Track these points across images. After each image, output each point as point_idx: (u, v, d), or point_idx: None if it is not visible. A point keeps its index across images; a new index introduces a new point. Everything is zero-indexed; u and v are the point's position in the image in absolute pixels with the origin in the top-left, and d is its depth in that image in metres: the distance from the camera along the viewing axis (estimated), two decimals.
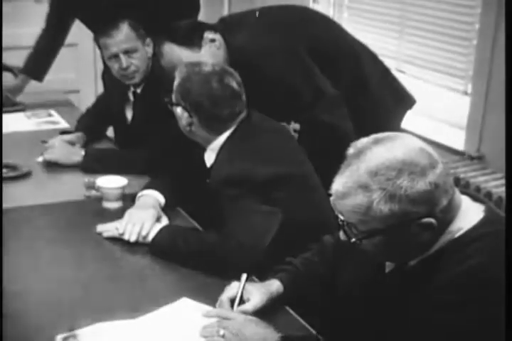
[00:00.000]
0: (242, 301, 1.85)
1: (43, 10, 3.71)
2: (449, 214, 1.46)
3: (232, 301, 1.85)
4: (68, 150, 2.93)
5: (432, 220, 1.43)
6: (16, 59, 4.30)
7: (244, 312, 1.80)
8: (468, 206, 1.50)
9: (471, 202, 1.53)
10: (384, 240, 1.47)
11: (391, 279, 1.59)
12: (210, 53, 2.68)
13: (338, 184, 1.47)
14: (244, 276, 1.87)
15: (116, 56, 2.90)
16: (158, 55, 2.77)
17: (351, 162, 1.47)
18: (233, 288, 1.87)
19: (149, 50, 2.96)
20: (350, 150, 1.49)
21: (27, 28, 4.03)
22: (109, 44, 2.89)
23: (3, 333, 1.69)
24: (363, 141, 1.50)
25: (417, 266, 1.52)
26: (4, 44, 4.30)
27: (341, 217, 1.50)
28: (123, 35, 2.88)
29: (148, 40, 2.96)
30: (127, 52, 2.89)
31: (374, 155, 1.44)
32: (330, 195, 1.53)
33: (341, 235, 1.54)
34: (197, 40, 2.68)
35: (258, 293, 1.86)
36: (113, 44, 2.89)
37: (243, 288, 1.86)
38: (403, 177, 1.40)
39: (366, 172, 1.43)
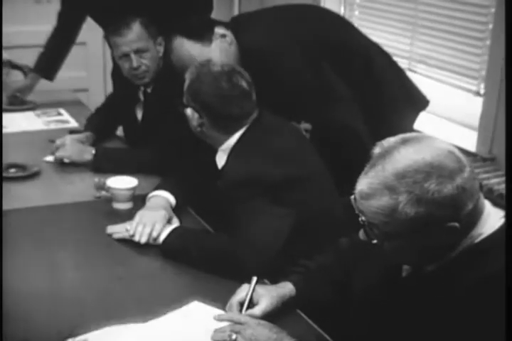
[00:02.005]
0: (252, 304, 1.83)
1: (43, 10, 3.72)
2: (472, 218, 1.44)
3: (241, 304, 1.83)
4: (79, 148, 2.91)
5: (456, 224, 1.40)
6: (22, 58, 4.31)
7: (253, 316, 1.78)
8: (489, 211, 1.48)
9: (491, 207, 1.50)
10: (406, 242, 1.45)
11: (408, 284, 1.57)
12: (221, 48, 2.67)
13: (363, 184, 1.45)
14: (254, 279, 1.85)
15: (127, 55, 2.88)
16: (168, 50, 2.76)
17: (377, 162, 1.44)
18: (243, 291, 1.86)
19: (160, 49, 2.94)
20: (376, 150, 1.47)
21: (28, 27, 4.03)
22: (120, 43, 2.87)
23: (7, 335, 1.67)
24: (390, 140, 1.47)
25: (434, 271, 1.50)
26: (6, 43, 4.30)
27: (363, 217, 1.47)
28: (134, 34, 2.86)
29: (159, 39, 2.94)
30: (138, 52, 2.87)
31: (401, 156, 1.42)
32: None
33: (361, 235, 1.52)
34: (207, 35, 2.67)
35: (268, 296, 1.84)
36: (124, 43, 2.87)
37: (253, 291, 1.84)
38: (431, 180, 1.38)
39: (393, 174, 1.40)
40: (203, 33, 2.67)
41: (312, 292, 1.92)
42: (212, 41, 2.67)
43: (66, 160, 2.89)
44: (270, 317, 1.81)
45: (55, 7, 3.55)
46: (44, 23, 3.72)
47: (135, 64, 2.87)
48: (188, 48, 2.65)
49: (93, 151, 2.88)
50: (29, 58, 3.97)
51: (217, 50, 2.65)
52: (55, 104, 3.74)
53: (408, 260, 1.55)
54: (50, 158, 2.94)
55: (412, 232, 1.42)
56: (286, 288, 1.90)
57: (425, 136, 1.48)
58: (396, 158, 1.42)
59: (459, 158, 1.43)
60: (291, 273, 1.96)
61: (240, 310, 1.82)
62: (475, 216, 1.44)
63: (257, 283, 1.86)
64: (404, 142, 1.44)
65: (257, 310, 1.81)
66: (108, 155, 2.89)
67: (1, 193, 2.42)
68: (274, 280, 1.97)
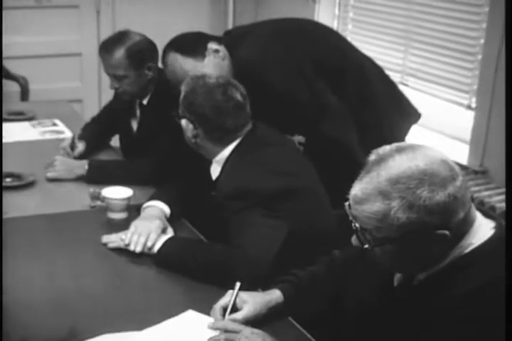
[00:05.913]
0: (235, 309, 1.85)
1: (41, 17, 3.75)
2: (463, 227, 1.46)
3: (224, 309, 1.85)
4: (69, 165, 2.89)
5: (446, 232, 1.43)
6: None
7: (235, 320, 1.80)
8: (480, 222, 1.50)
9: (482, 218, 1.53)
10: (396, 248, 1.48)
11: (399, 293, 1.59)
12: (214, 63, 2.70)
13: (357, 189, 1.48)
14: (237, 285, 1.87)
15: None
16: (163, 65, 2.79)
17: (372, 168, 1.47)
18: (227, 297, 1.87)
19: (149, 73, 2.92)
20: (372, 157, 1.49)
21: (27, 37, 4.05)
22: (102, 63, 2.95)
23: None
24: (386, 148, 1.50)
25: (425, 281, 1.52)
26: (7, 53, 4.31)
27: (356, 223, 1.50)
28: (114, 61, 2.86)
29: (149, 64, 2.91)
30: (116, 77, 2.90)
31: (396, 163, 1.45)
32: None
33: (353, 240, 1.54)
34: (200, 50, 2.70)
35: (252, 302, 1.86)
36: (104, 65, 2.93)
37: (236, 296, 1.86)
38: (423, 187, 1.41)
39: (387, 179, 1.43)
40: (195, 48, 2.70)
41: (301, 300, 1.93)
42: (205, 56, 2.70)
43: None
44: (264, 326, 1.81)
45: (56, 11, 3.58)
46: (42, 33, 3.73)
47: (111, 87, 2.94)
48: (182, 64, 2.68)
49: (86, 166, 2.87)
50: (25, 69, 4.01)
51: (211, 66, 2.68)
52: (50, 115, 3.74)
53: (398, 267, 1.57)
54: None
55: (403, 238, 1.45)
56: (273, 294, 1.91)
57: (420, 145, 1.51)
58: (390, 164, 1.45)
59: (452, 167, 1.46)
60: (280, 281, 1.97)
61: (223, 315, 1.84)
62: (466, 225, 1.47)
63: (240, 289, 1.87)
64: (399, 150, 1.47)
65: (239, 315, 1.82)
66: (102, 167, 2.88)
67: (1, 202, 2.44)
68: (268, 290, 1.98)
